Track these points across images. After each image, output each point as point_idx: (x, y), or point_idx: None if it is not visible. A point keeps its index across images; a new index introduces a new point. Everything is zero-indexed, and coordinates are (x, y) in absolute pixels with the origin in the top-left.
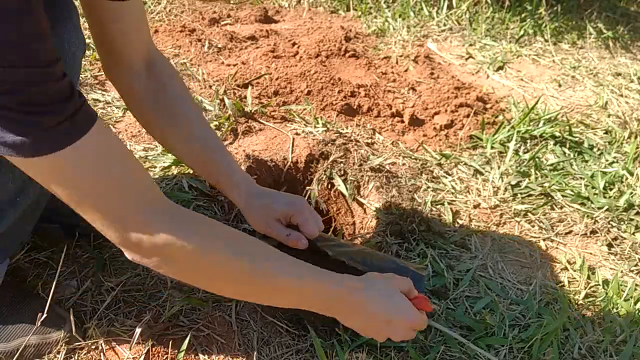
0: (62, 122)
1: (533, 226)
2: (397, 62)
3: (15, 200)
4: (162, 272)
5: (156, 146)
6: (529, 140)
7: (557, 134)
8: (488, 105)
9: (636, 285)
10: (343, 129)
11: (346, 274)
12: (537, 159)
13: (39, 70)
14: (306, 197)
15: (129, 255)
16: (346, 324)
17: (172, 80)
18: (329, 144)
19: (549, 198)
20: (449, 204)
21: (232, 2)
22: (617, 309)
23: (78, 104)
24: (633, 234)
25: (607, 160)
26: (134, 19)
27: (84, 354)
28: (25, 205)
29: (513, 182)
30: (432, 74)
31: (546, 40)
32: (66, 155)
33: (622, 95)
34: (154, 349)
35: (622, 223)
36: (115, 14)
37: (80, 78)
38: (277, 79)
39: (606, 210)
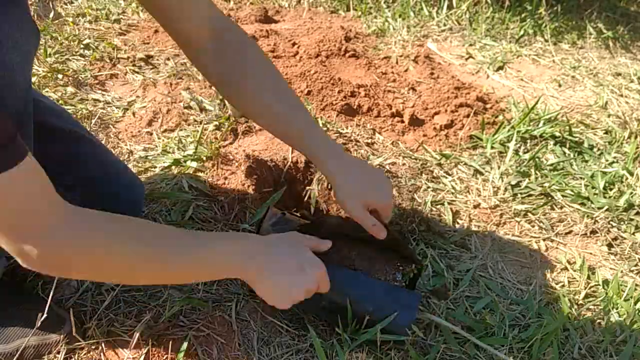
0: None
1: (533, 226)
2: (397, 62)
3: None
4: (60, 275)
5: (156, 146)
6: (529, 140)
7: (557, 134)
8: (488, 105)
9: (636, 285)
10: (343, 129)
11: (249, 235)
12: (537, 159)
13: None
14: (306, 197)
15: (23, 264)
16: (260, 284)
17: (245, 51)
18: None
19: (549, 198)
20: (449, 204)
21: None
22: (617, 309)
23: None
24: (633, 234)
25: (607, 160)
26: None
27: (84, 354)
28: None
29: (513, 182)
30: (432, 74)
31: (546, 40)
32: None
33: (622, 95)
34: (154, 349)
35: (622, 223)
36: None
37: (80, 78)
38: None
39: (606, 210)
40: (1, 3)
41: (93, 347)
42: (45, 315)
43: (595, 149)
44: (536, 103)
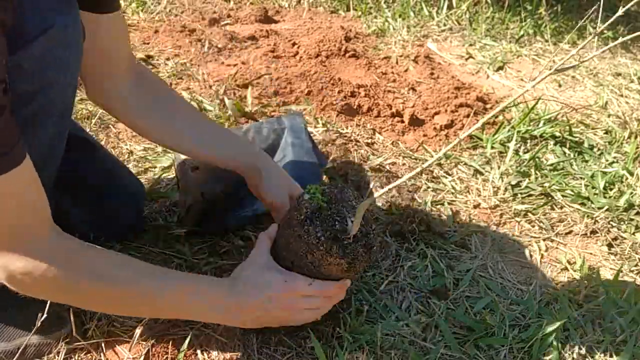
0: None
1: (533, 226)
2: (397, 62)
3: None
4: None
5: (156, 146)
6: (529, 140)
7: (557, 134)
8: (488, 105)
9: (636, 285)
10: (343, 129)
11: (211, 278)
12: (537, 159)
13: None
14: None
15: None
16: (247, 325)
17: (162, 85)
18: (329, 144)
19: (549, 198)
20: (449, 204)
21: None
22: (617, 309)
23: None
24: (633, 234)
25: (607, 160)
26: (121, 31)
27: (84, 354)
28: None
29: (513, 182)
30: (432, 74)
31: (546, 40)
32: None
33: (622, 95)
34: (154, 349)
35: (622, 223)
36: (103, 26)
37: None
38: (277, 79)
39: (606, 210)
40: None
41: (93, 347)
42: (45, 315)
43: (595, 149)
44: (536, 103)
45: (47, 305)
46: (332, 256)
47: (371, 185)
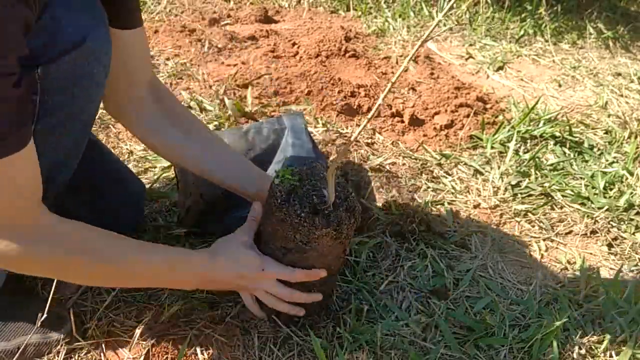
0: None
1: (533, 226)
2: (397, 62)
3: None
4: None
5: None
6: (529, 140)
7: (557, 134)
8: (488, 105)
9: (636, 285)
10: (343, 129)
11: (190, 250)
12: (537, 159)
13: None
14: None
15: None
16: (208, 288)
17: (178, 105)
18: (329, 144)
19: (549, 198)
20: (449, 204)
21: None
22: (617, 309)
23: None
24: (633, 234)
25: (607, 160)
26: (143, 47)
27: (84, 354)
28: None
29: (513, 182)
30: (432, 74)
31: (546, 40)
32: None
33: (622, 95)
34: (154, 349)
35: (622, 223)
36: (125, 41)
37: None
38: (277, 79)
39: (606, 210)
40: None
41: (93, 347)
42: (45, 315)
43: (595, 149)
44: (536, 103)
45: (47, 305)
46: (317, 228)
47: (333, 157)
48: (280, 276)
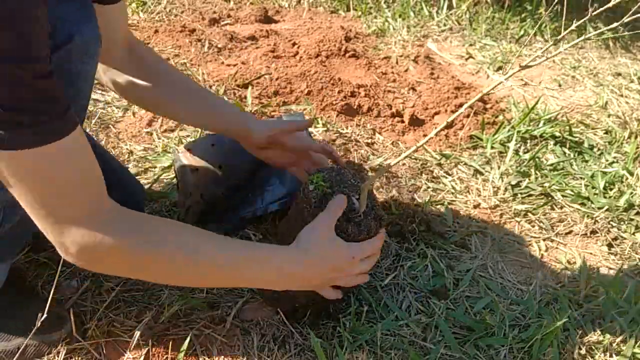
0: (37, 123)
1: (533, 226)
2: (397, 62)
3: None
4: (100, 271)
5: (156, 146)
6: (529, 140)
7: (557, 134)
8: (488, 105)
9: (636, 285)
10: (343, 129)
11: (281, 247)
12: (537, 159)
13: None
14: None
15: (67, 257)
16: (289, 288)
17: (153, 54)
18: (329, 144)
19: (549, 198)
20: (449, 204)
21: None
22: (617, 309)
23: (60, 108)
24: (633, 234)
25: (607, 160)
26: (123, 15)
27: (84, 354)
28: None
29: (513, 182)
30: (432, 74)
31: (546, 41)
32: (31, 155)
33: (622, 95)
34: (154, 349)
35: (622, 223)
36: (108, 14)
37: None
38: (277, 79)
39: (606, 210)
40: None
41: (93, 347)
42: (45, 315)
43: (595, 149)
44: (536, 103)
45: (47, 305)
46: (350, 235)
47: (372, 174)
48: (367, 254)
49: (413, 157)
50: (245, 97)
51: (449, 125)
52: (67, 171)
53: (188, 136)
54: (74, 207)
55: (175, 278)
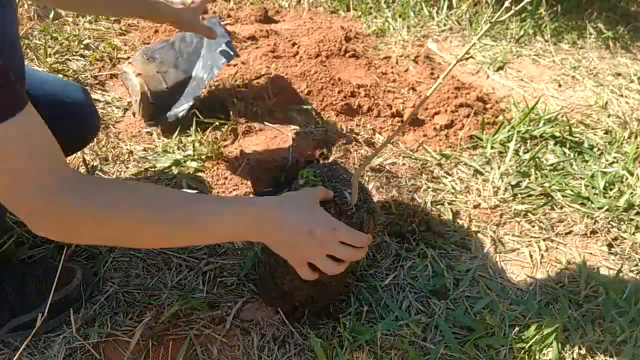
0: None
1: (533, 226)
2: (397, 62)
3: None
4: (70, 241)
5: (156, 146)
6: (529, 140)
7: (557, 134)
8: (488, 105)
9: (636, 285)
10: (343, 129)
11: (260, 197)
12: (537, 159)
13: None
14: None
15: (38, 232)
16: (272, 246)
17: None
18: (329, 144)
19: (549, 198)
20: (449, 204)
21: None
22: (617, 309)
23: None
24: (633, 234)
25: (607, 160)
26: None
27: (84, 354)
28: None
29: (513, 182)
30: (432, 74)
31: (546, 41)
32: None
33: (622, 95)
34: (154, 349)
35: (622, 223)
36: None
37: (80, 78)
38: (277, 79)
39: (606, 210)
40: None
41: (93, 347)
42: (45, 315)
43: (595, 149)
44: (536, 103)
45: (47, 305)
46: None
47: (359, 165)
48: (348, 239)
49: (413, 157)
50: (246, 97)
51: (449, 126)
52: (23, 146)
53: (188, 136)
54: (35, 180)
55: (144, 238)
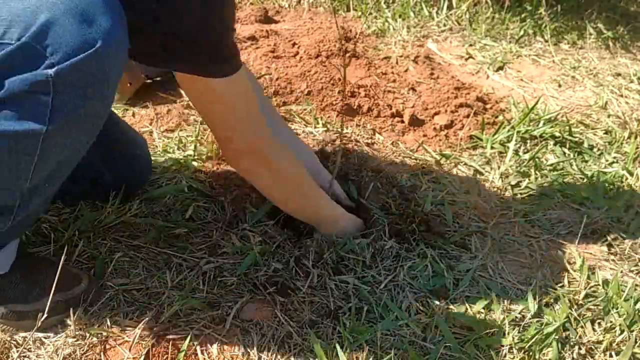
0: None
1: (533, 226)
2: (397, 62)
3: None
4: (249, 178)
5: (156, 146)
6: (529, 141)
7: (557, 134)
8: (488, 106)
9: (636, 285)
10: (343, 129)
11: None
12: (537, 159)
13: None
14: None
15: (233, 160)
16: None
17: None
18: (329, 144)
19: (549, 198)
20: (449, 204)
21: None
22: (617, 309)
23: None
24: (633, 234)
25: (607, 161)
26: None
27: (84, 354)
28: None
29: (513, 182)
30: (432, 74)
31: (546, 41)
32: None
33: (622, 96)
34: (154, 349)
35: (622, 223)
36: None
37: None
38: (277, 79)
39: (606, 210)
40: None
41: (93, 347)
42: (46, 315)
43: (595, 149)
44: (536, 103)
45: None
46: None
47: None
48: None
49: (413, 157)
50: None
51: (449, 126)
52: (244, 94)
53: (189, 136)
54: (250, 126)
55: (288, 194)
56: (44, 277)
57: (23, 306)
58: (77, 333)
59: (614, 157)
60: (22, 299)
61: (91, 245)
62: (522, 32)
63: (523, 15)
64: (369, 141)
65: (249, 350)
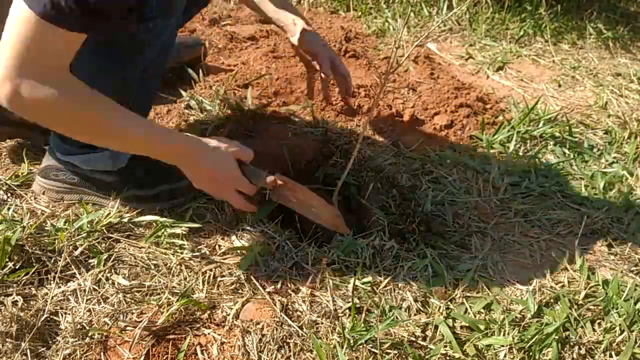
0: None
1: (533, 226)
2: (397, 62)
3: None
4: (34, 120)
5: None
6: (529, 141)
7: (557, 134)
8: (488, 106)
9: (636, 285)
10: (343, 129)
11: (188, 134)
12: (537, 159)
13: None
14: None
15: (5, 102)
16: (185, 174)
17: None
18: (329, 144)
19: (549, 198)
20: (449, 204)
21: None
22: (617, 309)
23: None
24: (633, 234)
25: (607, 161)
26: None
27: (84, 355)
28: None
29: (513, 182)
30: (432, 74)
31: (546, 41)
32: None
33: (622, 96)
34: (154, 349)
35: (622, 223)
36: None
37: None
38: (277, 79)
39: (606, 210)
40: None
41: (93, 347)
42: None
43: (595, 149)
44: (536, 103)
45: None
46: None
47: None
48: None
49: (413, 157)
50: (246, 98)
51: (449, 126)
52: (47, 47)
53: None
54: (41, 67)
55: (93, 133)
56: (156, 168)
57: (139, 192)
58: (77, 332)
59: (614, 157)
60: (138, 186)
61: (91, 245)
62: (522, 32)
63: (523, 15)
64: (369, 141)
65: (249, 350)
